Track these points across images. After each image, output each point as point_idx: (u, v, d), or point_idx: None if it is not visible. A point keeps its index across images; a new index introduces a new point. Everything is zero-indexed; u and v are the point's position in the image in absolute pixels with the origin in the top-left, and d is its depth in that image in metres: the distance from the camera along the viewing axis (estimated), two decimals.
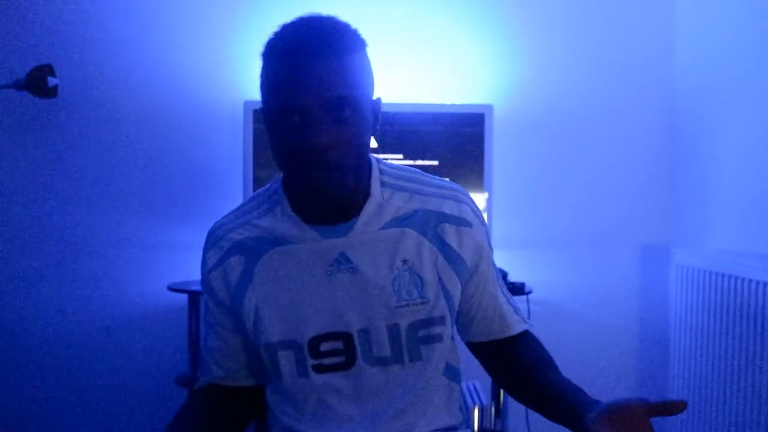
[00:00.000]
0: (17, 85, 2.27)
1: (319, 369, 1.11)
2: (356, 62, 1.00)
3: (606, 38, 2.58)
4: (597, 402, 1.01)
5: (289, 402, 1.15)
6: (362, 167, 1.06)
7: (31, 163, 2.46)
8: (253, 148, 2.31)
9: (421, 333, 1.12)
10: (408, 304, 1.10)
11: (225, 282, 1.12)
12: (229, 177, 2.44)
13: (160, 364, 2.48)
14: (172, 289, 2.27)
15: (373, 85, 1.05)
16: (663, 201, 2.60)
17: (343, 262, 1.09)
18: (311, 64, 0.96)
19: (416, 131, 2.33)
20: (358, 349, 1.10)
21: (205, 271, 1.15)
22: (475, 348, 1.25)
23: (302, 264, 1.09)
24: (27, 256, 2.46)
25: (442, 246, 1.12)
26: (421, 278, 1.10)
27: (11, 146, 2.45)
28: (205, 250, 1.16)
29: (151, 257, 2.48)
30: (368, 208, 1.09)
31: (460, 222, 1.13)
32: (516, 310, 1.23)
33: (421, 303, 1.11)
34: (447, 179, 1.19)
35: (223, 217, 1.18)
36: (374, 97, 1.06)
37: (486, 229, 1.18)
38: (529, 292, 2.37)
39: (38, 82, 2.26)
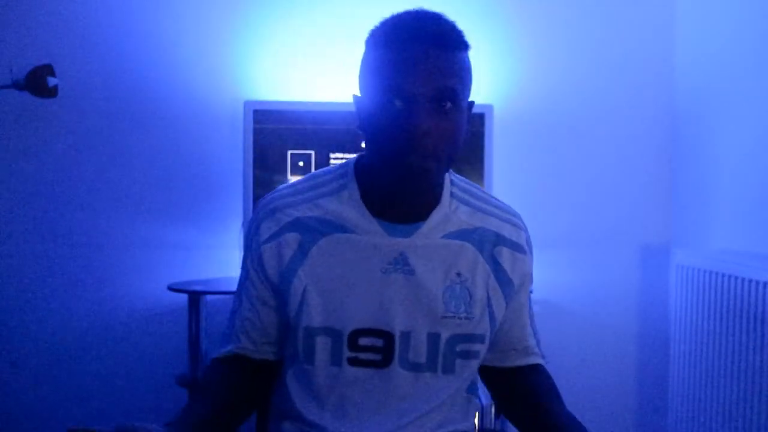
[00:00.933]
0: (17, 85, 2.27)
1: (354, 362, 1.11)
2: (462, 60, 1.04)
3: (606, 38, 2.58)
4: None
5: (310, 391, 1.14)
6: (451, 164, 1.06)
7: (31, 163, 2.46)
8: (253, 148, 2.31)
9: (459, 347, 1.12)
10: (454, 317, 1.11)
11: (278, 257, 1.11)
12: (229, 177, 2.44)
13: (160, 364, 2.48)
14: (172, 289, 2.27)
15: (471, 87, 1.08)
16: (663, 201, 2.60)
17: (401, 262, 1.09)
18: (422, 52, 0.99)
19: None
20: (397, 350, 1.10)
21: (258, 241, 1.12)
22: (485, 371, 1.24)
23: (360, 255, 1.09)
24: (27, 255, 2.46)
25: (496, 267, 1.14)
26: (471, 294, 1.11)
27: (11, 146, 2.45)
28: (259, 220, 1.13)
29: (151, 257, 2.48)
30: (436, 215, 1.11)
31: (516, 247, 1.16)
32: (538, 344, 1.24)
33: (466, 318, 1.11)
34: (508, 204, 1.22)
35: (282, 189, 1.16)
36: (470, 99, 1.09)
37: (532, 261, 1.20)
38: (530, 292, 2.36)
39: (38, 82, 2.26)
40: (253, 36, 2.50)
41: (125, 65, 2.47)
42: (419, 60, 0.98)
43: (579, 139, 2.58)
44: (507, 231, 1.15)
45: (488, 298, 1.13)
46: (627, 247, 2.60)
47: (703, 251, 2.25)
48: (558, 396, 1.19)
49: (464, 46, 1.05)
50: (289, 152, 2.32)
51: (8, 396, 2.48)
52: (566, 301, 2.59)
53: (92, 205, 2.47)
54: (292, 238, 1.10)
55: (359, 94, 1.07)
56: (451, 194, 1.13)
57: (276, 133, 2.32)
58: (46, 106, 2.41)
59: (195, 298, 2.24)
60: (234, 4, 2.50)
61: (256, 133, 2.31)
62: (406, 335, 1.10)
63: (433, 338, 1.11)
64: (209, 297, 2.26)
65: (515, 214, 1.19)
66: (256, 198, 2.26)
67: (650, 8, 2.59)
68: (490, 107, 2.37)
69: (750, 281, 1.88)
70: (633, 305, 2.61)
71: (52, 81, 2.27)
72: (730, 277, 1.97)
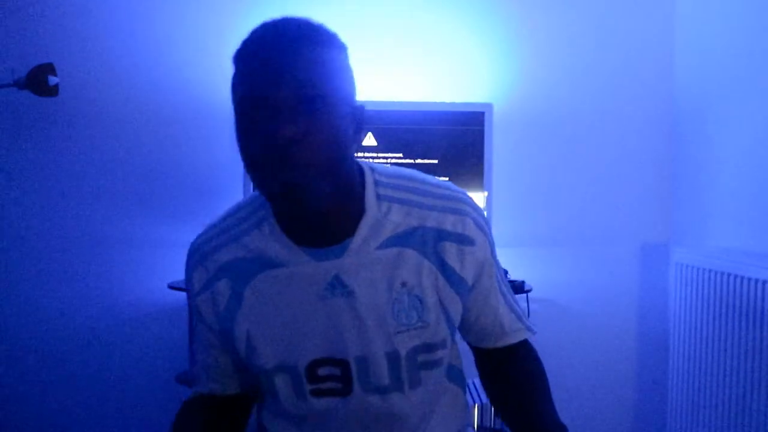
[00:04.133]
0: (18, 84, 2.27)
1: (317, 393, 1.07)
2: (329, 58, 0.93)
3: (606, 38, 2.58)
4: None
5: (286, 419, 1.13)
6: (337, 177, 0.93)
7: (31, 162, 2.46)
8: None
9: (421, 358, 1.07)
10: (408, 329, 1.04)
11: (214, 306, 1.06)
12: (229, 177, 2.44)
13: (160, 363, 2.48)
14: (173, 287, 2.27)
15: (353, 89, 0.97)
16: (662, 200, 2.60)
17: (337, 286, 1.01)
18: (277, 55, 0.89)
19: (416, 130, 2.33)
20: (355, 377, 1.05)
21: (192, 293, 1.08)
22: (473, 348, 1.23)
23: (294, 288, 1.02)
24: (27, 255, 2.47)
25: (443, 266, 1.04)
26: (421, 301, 1.03)
27: (11, 146, 2.45)
28: (190, 269, 1.08)
29: (151, 257, 2.49)
30: (363, 227, 1.01)
31: (462, 240, 1.05)
32: (519, 317, 1.17)
33: (422, 327, 1.04)
34: (448, 182, 1.10)
35: (207, 230, 1.10)
36: (357, 104, 0.98)
37: (490, 240, 1.10)
38: (529, 291, 2.37)
39: (39, 81, 2.27)
40: None
41: (126, 64, 2.47)
42: (274, 63, 0.89)
43: (579, 138, 2.58)
44: (450, 223, 1.04)
45: (440, 301, 1.05)
46: (627, 245, 2.60)
47: (703, 250, 2.25)
48: (534, 383, 1.12)
49: (331, 44, 0.95)
50: None
51: (8, 395, 2.48)
52: (566, 299, 2.59)
53: (92, 204, 2.48)
54: (223, 286, 1.05)
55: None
56: (378, 197, 1.03)
57: None
58: (47, 105, 2.41)
59: None
60: (234, 4, 2.50)
61: None
62: (363, 359, 1.04)
63: (392, 356, 1.04)
64: None
65: (459, 199, 1.07)
66: None
67: (650, 8, 2.59)
68: (490, 107, 2.37)
69: (749, 279, 1.88)
70: (632, 303, 2.61)
71: (53, 80, 2.28)
72: (729, 275, 1.98)
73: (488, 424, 2.22)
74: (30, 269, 2.47)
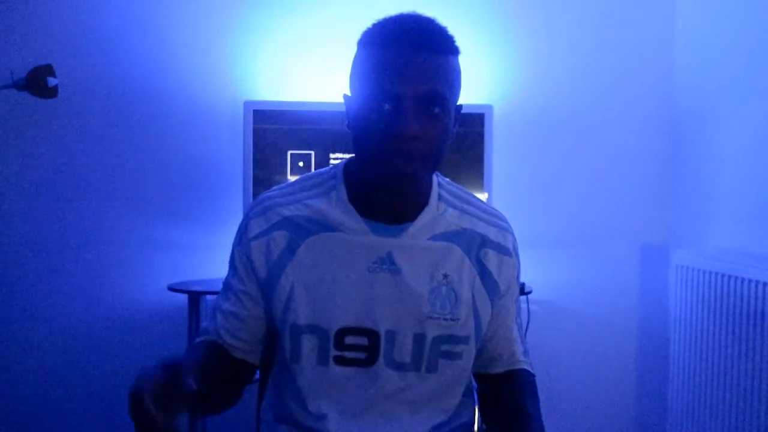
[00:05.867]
0: (17, 85, 2.27)
1: (340, 361, 1.11)
2: (452, 64, 1.04)
3: (606, 38, 2.58)
4: None
5: (293, 391, 1.14)
6: (437, 168, 1.08)
7: (31, 163, 2.46)
8: (253, 148, 2.31)
9: (444, 347, 1.13)
10: (439, 318, 1.11)
11: (266, 254, 1.12)
12: (229, 177, 2.44)
13: None
14: (172, 289, 2.27)
15: (459, 91, 1.08)
16: (663, 201, 2.60)
17: (387, 262, 1.10)
18: (412, 56, 1.00)
19: None
20: (382, 349, 1.11)
21: (247, 237, 1.14)
22: (477, 378, 1.25)
23: (346, 254, 1.10)
24: (27, 255, 2.46)
25: (482, 270, 1.15)
26: (457, 295, 1.12)
27: (11, 146, 2.45)
28: (249, 217, 1.15)
29: (151, 257, 2.49)
30: (424, 217, 1.12)
31: (503, 250, 1.16)
32: (525, 353, 1.24)
33: (452, 319, 1.12)
34: (496, 208, 1.23)
35: (273, 190, 1.18)
36: (458, 103, 1.10)
37: (519, 266, 1.21)
38: (529, 292, 2.37)
39: (38, 82, 2.27)
40: (253, 36, 2.50)
41: (125, 65, 2.47)
42: (408, 64, 1.00)
43: (579, 139, 2.58)
44: (493, 234, 1.16)
45: (473, 300, 1.14)
46: (627, 246, 2.60)
47: (703, 251, 2.25)
48: (530, 411, 1.17)
49: (454, 50, 1.05)
50: (289, 152, 2.33)
51: (8, 395, 2.48)
52: (566, 300, 2.59)
53: (92, 205, 2.48)
54: (280, 236, 1.12)
55: (349, 94, 1.09)
56: (439, 197, 1.15)
57: (276, 133, 2.32)
58: (46, 106, 2.41)
59: (195, 298, 2.24)
60: (234, 4, 2.50)
61: (256, 133, 2.31)
62: (392, 334, 1.11)
63: (419, 338, 1.11)
64: (209, 297, 2.27)
65: (502, 218, 1.20)
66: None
67: (650, 8, 2.59)
68: (490, 107, 2.37)
69: (749, 281, 1.88)
70: (633, 305, 2.61)
71: (52, 81, 2.28)
72: (729, 277, 1.97)
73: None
74: (29, 270, 2.47)
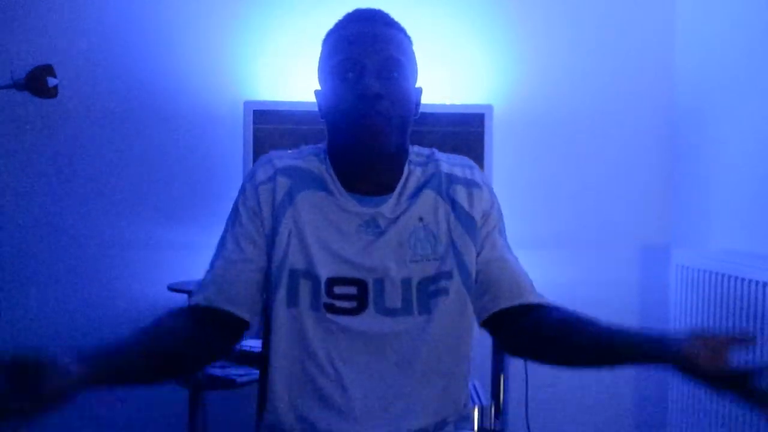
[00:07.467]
0: (17, 85, 2.27)
1: (331, 309, 1.17)
2: (404, 42, 1.18)
3: (606, 38, 2.58)
4: (665, 332, 1.10)
5: (299, 339, 1.17)
6: (404, 137, 1.17)
7: (31, 163, 2.46)
8: (253, 148, 2.31)
9: (432, 288, 1.19)
10: (422, 259, 1.18)
11: (272, 197, 1.19)
12: (229, 177, 2.44)
13: None
14: (172, 289, 2.27)
15: (416, 73, 1.21)
16: (663, 201, 2.60)
17: (372, 225, 1.19)
18: (368, 27, 1.15)
19: (416, 131, 2.31)
20: (371, 296, 1.17)
21: (254, 183, 1.21)
22: (498, 328, 1.23)
23: (337, 213, 1.19)
24: (27, 256, 2.46)
25: (454, 205, 1.21)
26: (435, 236, 1.19)
27: (11, 146, 2.45)
28: (256, 168, 1.23)
29: (151, 257, 2.49)
30: (401, 184, 1.21)
31: (470, 183, 1.23)
32: (533, 285, 1.27)
33: (434, 259, 1.19)
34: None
35: (276, 152, 1.27)
36: (417, 86, 1.21)
37: (496, 199, 1.26)
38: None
39: (38, 82, 2.27)
40: (253, 36, 2.50)
41: (125, 66, 2.47)
42: (366, 34, 1.14)
43: (579, 139, 2.58)
44: (459, 171, 1.24)
45: (450, 233, 1.20)
46: (627, 247, 2.60)
47: (703, 251, 2.25)
48: (583, 317, 1.21)
49: (405, 33, 1.20)
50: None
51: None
52: (566, 301, 2.54)
53: (92, 205, 2.47)
54: (283, 183, 1.20)
55: (320, 88, 1.21)
56: (409, 162, 1.23)
57: (276, 133, 2.32)
58: (47, 107, 2.41)
59: None
60: (234, 4, 2.50)
61: (256, 133, 2.31)
62: (379, 281, 1.17)
63: (405, 283, 1.18)
64: None
65: (465, 159, 1.28)
66: None
67: (650, 8, 2.59)
68: (490, 107, 2.37)
69: (750, 281, 1.88)
70: (633, 305, 2.60)
71: (52, 81, 2.27)
72: (729, 277, 1.97)
73: (488, 425, 2.22)
74: (29, 270, 2.47)
